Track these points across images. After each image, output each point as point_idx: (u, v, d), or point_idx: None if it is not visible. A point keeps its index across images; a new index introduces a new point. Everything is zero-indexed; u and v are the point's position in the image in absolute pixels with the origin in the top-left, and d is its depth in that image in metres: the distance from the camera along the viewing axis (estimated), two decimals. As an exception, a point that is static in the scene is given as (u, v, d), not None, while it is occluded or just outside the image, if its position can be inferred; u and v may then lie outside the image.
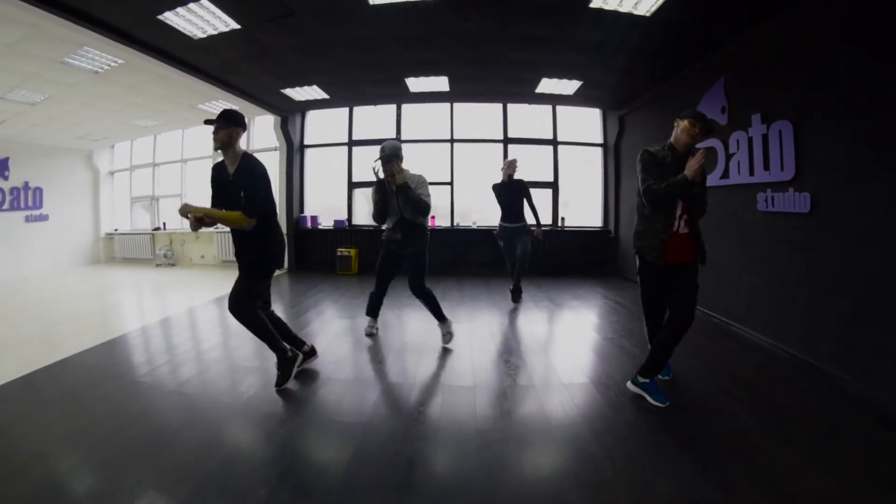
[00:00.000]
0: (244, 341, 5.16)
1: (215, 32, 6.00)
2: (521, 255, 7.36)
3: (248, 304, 4.08)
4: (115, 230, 13.93)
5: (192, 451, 3.12)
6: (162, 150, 13.30)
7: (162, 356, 5.06)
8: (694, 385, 4.27)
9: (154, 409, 3.80)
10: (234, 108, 4.17)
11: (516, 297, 7.64)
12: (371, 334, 5.72)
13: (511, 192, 7.36)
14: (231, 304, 4.05)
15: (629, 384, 4.07)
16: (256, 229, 3.92)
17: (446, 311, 5.51)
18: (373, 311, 5.78)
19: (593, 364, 4.86)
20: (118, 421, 3.51)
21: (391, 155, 4.87)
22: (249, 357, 4.96)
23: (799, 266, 5.02)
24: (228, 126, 3.90)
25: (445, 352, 5.19)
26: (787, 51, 5.15)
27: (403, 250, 5.24)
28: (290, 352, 4.29)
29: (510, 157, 7.65)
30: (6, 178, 11.39)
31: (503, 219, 7.48)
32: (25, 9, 5.08)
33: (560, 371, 4.59)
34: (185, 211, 3.80)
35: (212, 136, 3.93)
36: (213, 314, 6.88)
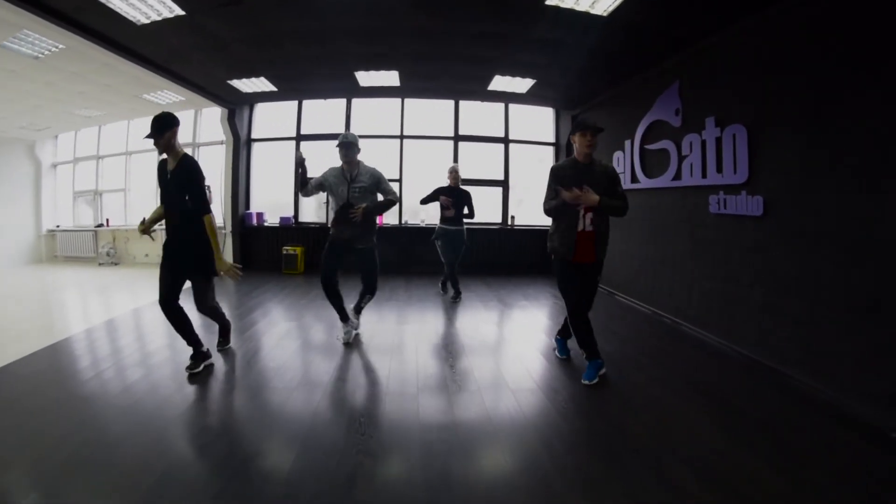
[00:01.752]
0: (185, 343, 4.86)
1: (159, 18, 5.75)
2: (459, 257, 7.74)
3: (212, 298, 4.68)
4: (57, 227, 13.17)
5: (130, 464, 2.93)
6: (106, 141, 12.78)
7: (105, 361, 4.80)
8: (648, 388, 4.23)
9: (95, 419, 3.58)
10: (164, 111, 4.14)
11: (456, 296, 7.83)
12: (348, 342, 5.44)
13: (456, 198, 7.54)
14: (202, 307, 4.61)
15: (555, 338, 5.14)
16: (199, 228, 4.16)
17: (394, 312, 5.67)
18: (343, 314, 5.54)
19: (542, 368, 4.76)
20: (58, 431, 3.32)
21: (352, 142, 5.11)
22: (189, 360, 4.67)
23: (751, 268, 5.04)
24: (164, 132, 4.09)
25: (391, 356, 5.05)
26: (744, 57, 5.17)
27: (354, 243, 5.22)
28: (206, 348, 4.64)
29: (453, 165, 7.77)
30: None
31: (444, 221, 7.62)
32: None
33: (508, 376, 4.50)
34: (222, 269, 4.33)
35: (154, 146, 4.16)
36: (157, 315, 6.51)
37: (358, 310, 5.68)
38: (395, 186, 9.47)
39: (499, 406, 3.86)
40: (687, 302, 6.13)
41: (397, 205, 10.41)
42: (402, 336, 5.51)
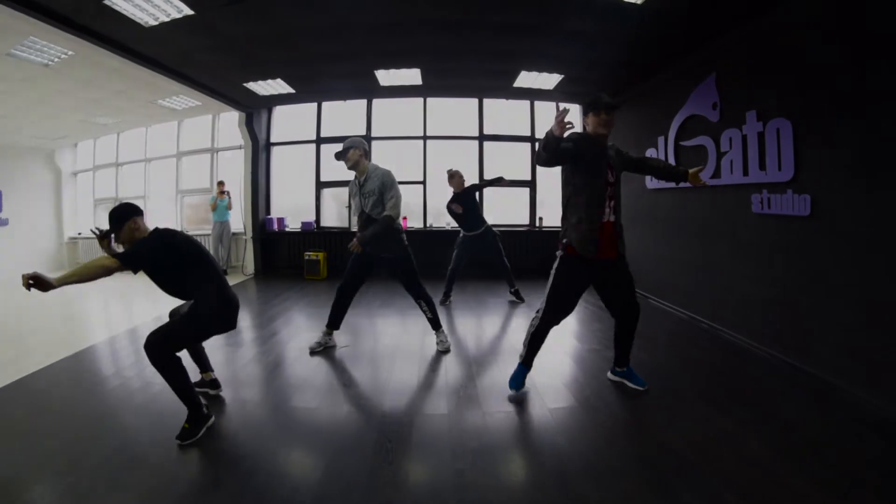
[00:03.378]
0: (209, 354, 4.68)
1: (168, 19, 5.57)
2: (502, 255, 7.53)
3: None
4: (79, 234, 13.26)
5: (149, 480, 2.88)
6: (125, 149, 12.77)
7: (128, 370, 4.78)
8: (690, 402, 3.90)
9: (119, 429, 3.57)
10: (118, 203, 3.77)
11: (445, 299, 7.65)
12: (317, 352, 5.26)
13: (466, 203, 7.34)
14: None
15: (609, 374, 4.36)
16: None
17: (420, 319, 5.44)
18: (335, 321, 5.35)
19: (578, 381, 4.44)
20: (82, 445, 3.28)
21: (346, 147, 4.95)
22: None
23: (797, 271, 4.68)
24: (120, 225, 3.51)
25: (419, 370, 4.78)
26: (788, 44, 4.80)
27: (379, 251, 5.03)
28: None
29: (449, 170, 7.55)
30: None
31: (466, 229, 7.48)
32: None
33: (544, 391, 4.15)
34: None
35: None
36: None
37: (434, 325, 5.38)
38: (406, 190, 9.31)
39: (535, 427, 3.60)
40: (726, 307, 5.77)
41: (422, 208, 10.31)
42: (429, 346, 5.29)
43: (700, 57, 6.21)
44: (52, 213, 13.06)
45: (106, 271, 3.03)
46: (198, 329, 3.64)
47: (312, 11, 5.69)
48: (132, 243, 3.45)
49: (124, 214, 3.51)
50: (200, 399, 3.56)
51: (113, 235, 3.59)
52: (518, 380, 4.08)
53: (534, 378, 4.27)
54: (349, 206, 5.11)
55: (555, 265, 3.94)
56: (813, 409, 3.74)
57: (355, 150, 4.96)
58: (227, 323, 3.72)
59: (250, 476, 2.94)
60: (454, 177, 7.39)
